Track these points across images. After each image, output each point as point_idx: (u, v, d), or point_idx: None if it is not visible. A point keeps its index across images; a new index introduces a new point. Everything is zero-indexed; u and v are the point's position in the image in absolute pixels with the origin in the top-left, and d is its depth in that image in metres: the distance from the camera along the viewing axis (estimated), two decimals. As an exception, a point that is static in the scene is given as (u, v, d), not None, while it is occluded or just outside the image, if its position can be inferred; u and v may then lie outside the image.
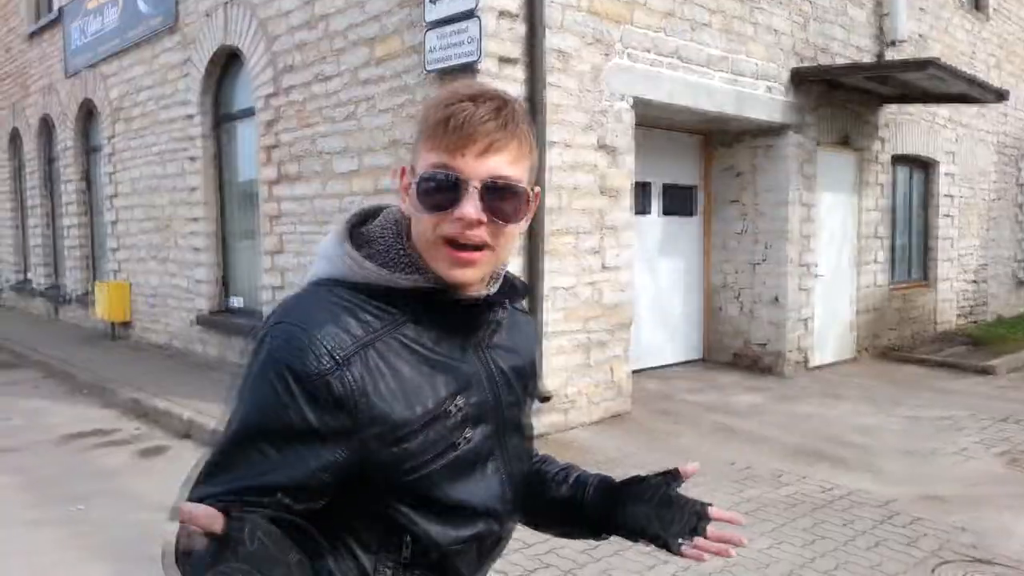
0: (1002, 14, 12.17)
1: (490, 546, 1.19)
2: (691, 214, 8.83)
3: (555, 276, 6.05)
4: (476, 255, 1.08)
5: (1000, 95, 9.12)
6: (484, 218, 1.06)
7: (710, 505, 1.27)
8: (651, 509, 1.27)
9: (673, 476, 1.30)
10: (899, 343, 9.95)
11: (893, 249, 10.15)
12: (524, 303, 1.32)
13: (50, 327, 12.33)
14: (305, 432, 1.01)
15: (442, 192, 1.05)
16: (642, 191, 7.97)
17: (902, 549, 3.99)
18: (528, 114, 1.13)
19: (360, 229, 1.16)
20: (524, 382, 1.25)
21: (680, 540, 1.24)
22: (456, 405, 1.10)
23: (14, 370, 9.20)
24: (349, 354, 1.02)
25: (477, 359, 1.15)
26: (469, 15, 5.51)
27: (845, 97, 8.89)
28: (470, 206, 1.05)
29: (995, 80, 11.00)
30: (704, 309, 8.95)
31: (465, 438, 1.11)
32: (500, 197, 1.06)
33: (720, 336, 8.85)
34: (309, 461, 1.01)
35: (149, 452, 5.82)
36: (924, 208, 10.94)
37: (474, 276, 1.10)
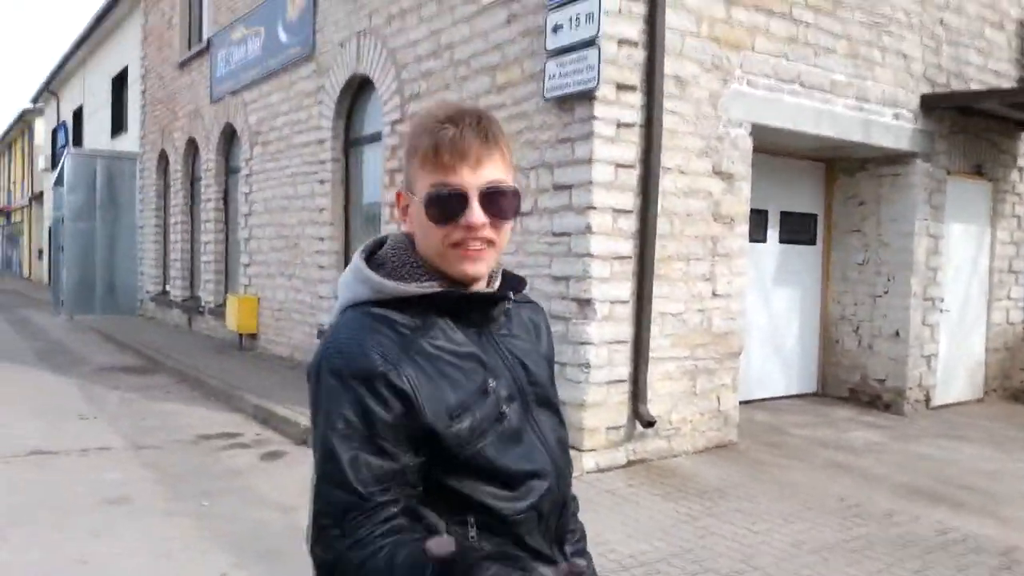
0: None
1: (551, 515, 1.29)
2: (810, 243, 8.63)
3: (664, 302, 6.06)
4: (484, 252, 1.24)
5: None
6: (487, 221, 1.22)
7: None
8: None
9: None
10: (1034, 385, 9.36)
11: (1030, 285, 9.58)
12: (527, 291, 1.46)
13: (184, 336, 13.18)
14: (388, 422, 1.15)
15: (448, 205, 1.21)
16: (759, 218, 7.87)
17: (1021, 599, 3.80)
18: (499, 124, 1.29)
19: (373, 257, 1.32)
20: (541, 361, 1.39)
21: None
22: (492, 385, 1.25)
23: (150, 375, 9.88)
24: (396, 355, 1.18)
25: (493, 348, 1.30)
26: (590, 43, 5.63)
27: (980, 124, 8.51)
28: (475, 213, 1.21)
29: None
30: (820, 341, 8.70)
31: (507, 411, 1.25)
32: (496, 200, 1.23)
33: (836, 370, 8.58)
34: (401, 451, 1.15)
35: (270, 456, 6.16)
36: (1066, 243, 10.27)
37: (484, 269, 1.27)
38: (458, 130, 1.20)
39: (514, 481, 1.23)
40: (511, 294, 1.34)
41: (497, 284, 1.34)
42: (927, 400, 8.17)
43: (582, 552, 1.48)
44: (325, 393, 1.18)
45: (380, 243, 1.36)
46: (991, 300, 8.95)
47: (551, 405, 1.37)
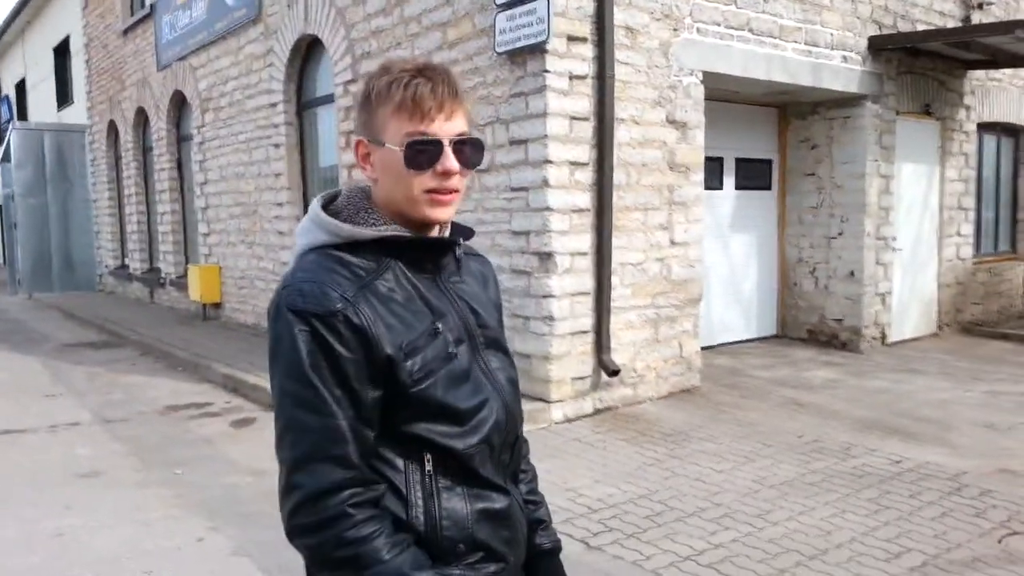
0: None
1: (503, 448, 1.38)
2: (765, 188, 8.76)
3: (623, 252, 6.15)
4: (452, 197, 1.33)
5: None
6: (460, 168, 1.31)
7: None
8: None
9: None
10: (984, 318, 9.68)
11: (979, 221, 9.87)
12: (473, 241, 1.53)
13: (146, 309, 13.05)
14: (349, 361, 1.22)
15: (425, 153, 1.28)
16: (715, 165, 7.96)
17: (969, 520, 3.99)
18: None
19: (329, 206, 1.38)
20: (489, 308, 1.47)
21: None
22: (440, 327, 1.33)
23: (114, 349, 9.81)
24: (354, 294, 1.25)
25: (444, 293, 1.38)
26: (538, -5, 5.61)
27: (927, 65, 8.65)
28: (451, 160, 1.29)
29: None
30: (779, 285, 8.89)
31: (455, 352, 1.33)
32: (465, 149, 1.32)
33: (795, 312, 8.79)
34: (362, 386, 1.23)
35: (240, 423, 6.20)
36: (1013, 178, 10.56)
37: (450, 213, 1.35)
38: (432, 83, 1.27)
39: (463, 417, 1.31)
40: (460, 240, 1.42)
41: (447, 233, 1.40)
42: (883, 337, 8.41)
43: (534, 491, 1.57)
44: (286, 331, 1.24)
45: (335, 195, 1.42)
46: (942, 237, 9.18)
47: (500, 347, 1.45)
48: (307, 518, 1.20)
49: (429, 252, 1.36)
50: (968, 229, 9.53)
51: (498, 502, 1.35)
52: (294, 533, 1.23)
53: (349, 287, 1.25)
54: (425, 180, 1.29)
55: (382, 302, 1.27)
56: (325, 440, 1.20)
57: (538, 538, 1.53)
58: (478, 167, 1.37)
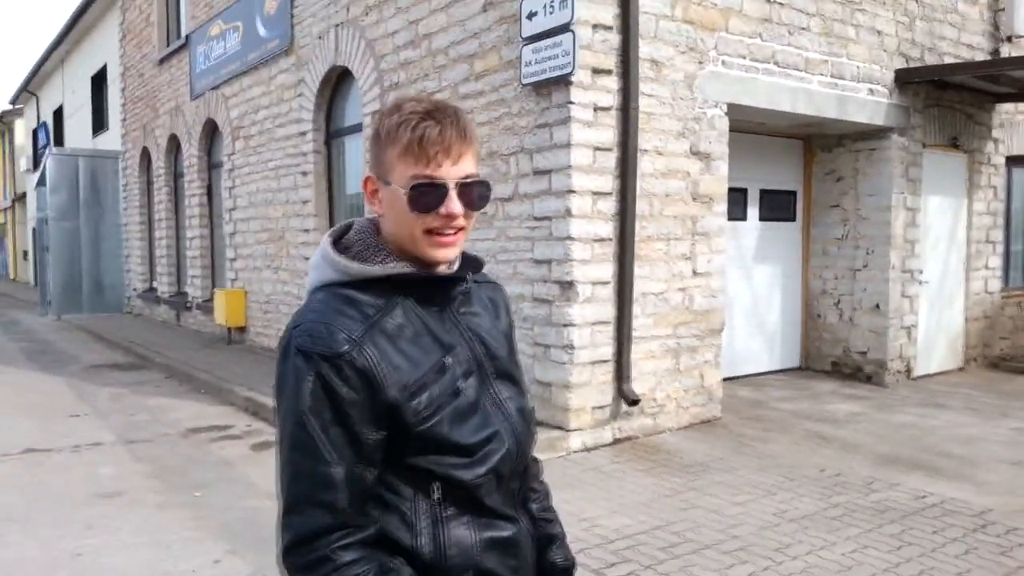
0: None
1: (511, 477, 1.39)
2: (790, 219, 8.74)
3: (645, 282, 6.15)
4: (456, 238, 1.34)
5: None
6: (463, 211, 1.32)
7: None
8: None
9: None
10: (1012, 353, 9.52)
11: (1008, 255, 9.74)
12: (485, 272, 1.54)
13: (173, 332, 13.21)
14: (353, 403, 1.24)
15: (430, 196, 1.30)
16: (739, 196, 7.96)
17: (993, 558, 3.91)
18: (469, 119, 1.37)
19: (340, 241, 1.41)
20: (500, 338, 1.47)
21: None
22: (448, 362, 1.33)
23: (139, 371, 9.93)
24: (361, 335, 1.26)
25: (454, 326, 1.39)
26: (564, 29, 5.68)
27: (954, 98, 8.62)
28: (455, 204, 1.31)
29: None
30: (802, 316, 8.82)
31: (463, 387, 1.34)
32: (471, 191, 1.33)
33: (819, 344, 8.71)
34: (364, 429, 1.24)
35: (260, 446, 6.24)
36: (1043, 212, 10.42)
37: (455, 253, 1.36)
38: (441, 126, 1.28)
39: (470, 450, 1.32)
40: (469, 274, 1.43)
41: (456, 266, 1.42)
42: (908, 371, 8.31)
43: (547, 508, 1.57)
44: (292, 371, 1.26)
45: (347, 228, 1.44)
46: (969, 270, 9.08)
47: (511, 377, 1.46)
48: (297, 559, 1.24)
49: (438, 287, 1.38)
50: (996, 262, 9.42)
51: (505, 530, 1.36)
52: (287, 571, 1.27)
53: (356, 328, 1.27)
54: (428, 221, 1.30)
55: (390, 340, 1.28)
56: (317, 485, 1.23)
57: (551, 555, 1.53)
58: (484, 206, 1.38)
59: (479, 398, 1.36)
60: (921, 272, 8.42)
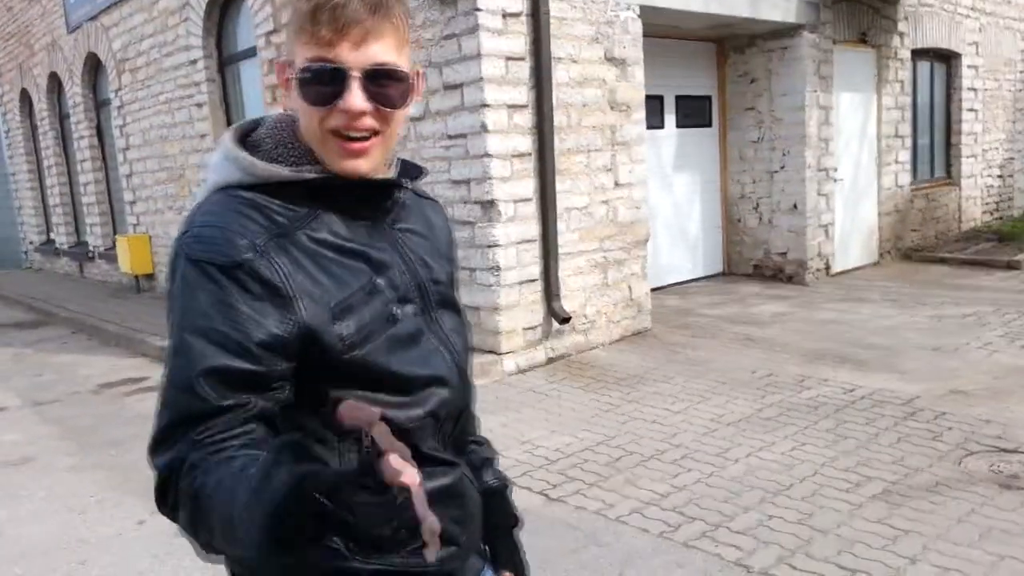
0: None
1: (447, 420, 1.19)
2: (706, 125, 8.66)
3: (568, 196, 5.99)
4: (366, 144, 1.08)
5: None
6: (369, 107, 1.06)
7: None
8: None
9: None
10: (923, 244, 9.81)
11: (915, 148, 9.92)
12: (423, 187, 1.32)
13: (76, 284, 12.51)
14: (253, 319, 1.00)
15: (324, 84, 1.04)
16: (655, 104, 7.81)
17: (927, 444, 3.99)
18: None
19: (248, 138, 1.14)
20: (442, 261, 1.25)
21: None
22: (380, 284, 1.11)
23: (43, 328, 9.38)
24: (266, 242, 1.03)
25: (388, 243, 1.16)
26: (463, -69, 5.34)
27: (861, -8, 8.58)
28: (355, 97, 1.04)
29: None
30: (723, 222, 8.85)
31: (399, 313, 1.12)
32: (384, 84, 1.06)
33: (740, 248, 8.77)
34: (268, 349, 1.01)
35: (180, 396, 5.93)
36: (946, 103, 10.63)
37: (367, 166, 1.10)
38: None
39: (410, 386, 1.12)
40: (406, 182, 1.20)
41: (392, 173, 1.19)
42: (827, 268, 8.46)
43: (481, 443, 1.40)
44: (182, 283, 1.02)
45: (255, 125, 1.17)
46: (880, 165, 9.22)
47: (454, 305, 1.25)
48: (158, 451, 0.99)
49: (366, 197, 1.14)
50: (905, 156, 9.58)
51: (444, 477, 1.17)
52: (153, 470, 1.00)
53: (261, 234, 1.03)
54: (328, 118, 1.06)
55: (308, 255, 1.05)
56: (193, 386, 0.97)
57: (485, 476, 1.36)
58: (405, 105, 1.11)
59: (418, 328, 1.15)
60: (836, 170, 8.49)
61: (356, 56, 1.04)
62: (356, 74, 1.04)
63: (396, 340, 1.11)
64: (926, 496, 3.43)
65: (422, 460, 1.12)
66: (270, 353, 1.01)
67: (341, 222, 1.11)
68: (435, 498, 1.13)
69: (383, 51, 1.06)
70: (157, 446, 0.99)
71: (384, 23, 1.05)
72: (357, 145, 1.07)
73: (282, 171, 1.08)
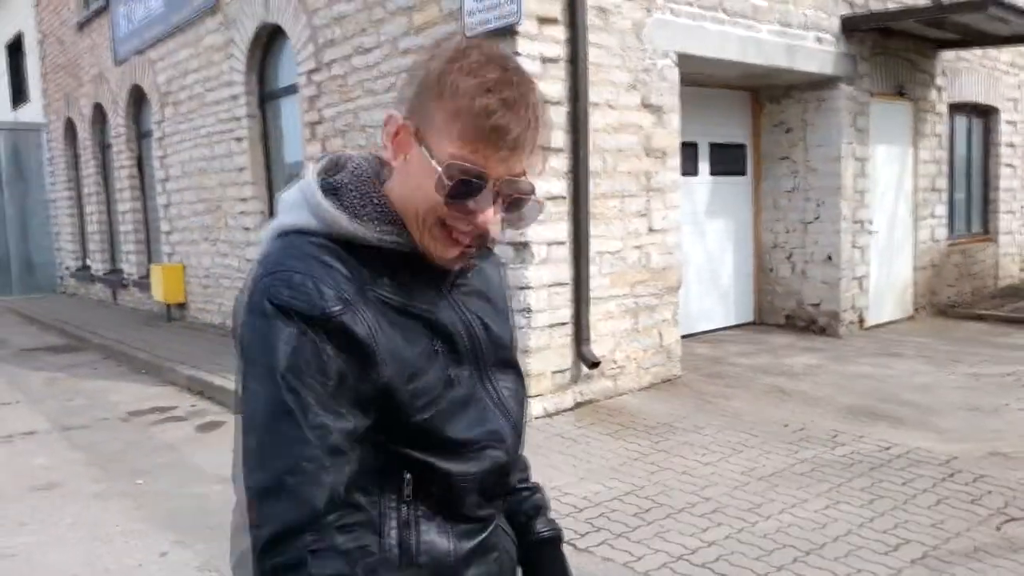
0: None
1: (494, 481, 1.16)
2: (740, 173, 8.64)
3: (601, 240, 5.97)
4: (470, 249, 1.09)
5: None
6: (497, 219, 1.05)
7: None
8: None
9: None
10: (959, 300, 9.65)
11: (952, 202, 9.82)
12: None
13: (109, 311, 12.67)
14: (341, 377, 0.98)
15: (465, 187, 1.02)
16: (690, 151, 7.81)
17: (965, 507, 3.87)
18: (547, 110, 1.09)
19: (328, 179, 1.12)
20: (502, 321, 1.23)
21: None
22: (438, 347, 1.10)
23: (75, 353, 9.47)
24: (353, 295, 1.01)
25: (448, 305, 1.14)
26: (507, -24, 5.41)
27: (899, 45, 8.57)
28: (492, 212, 1.04)
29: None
30: (755, 270, 8.78)
31: (455, 376, 1.11)
32: (517, 207, 1.07)
33: (771, 298, 8.68)
34: (353, 407, 1.00)
35: (206, 427, 5.95)
36: (984, 158, 10.54)
37: (458, 263, 1.10)
38: (515, 115, 1.00)
39: (464, 449, 1.10)
40: (474, 262, 1.18)
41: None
42: (860, 321, 8.34)
43: (525, 480, 1.38)
44: (266, 329, 0.99)
45: (337, 163, 1.15)
46: (916, 219, 9.12)
47: (511, 364, 1.23)
48: (280, 558, 0.96)
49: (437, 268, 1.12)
50: (942, 210, 9.48)
51: (478, 536, 1.16)
52: (268, 573, 0.97)
53: (348, 286, 1.01)
54: (450, 212, 1.04)
55: (380, 314, 1.03)
56: (297, 470, 0.96)
57: (537, 526, 1.33)
58: (524, 226, 1.12)
59: (474, 391, 1.13)
60: (871, 222, 8.42)
61: (503, 173, 1.03)
62: (497, 190, 1.03)
63: (453, 404, 1.09)
64: (965, 562, 3.32)
65: (459, 516, 1.10)
66: (357, 410, 1.00)
67: (407, 284, 1.09)
68: (467, 560, 1.11)
69: (527, 181, 1.06)
70: (273, 547, 0.97)
71: (536, 157, 1.06)
72: (461, 245, 1.07)
73: (368, 234, 1.06)
